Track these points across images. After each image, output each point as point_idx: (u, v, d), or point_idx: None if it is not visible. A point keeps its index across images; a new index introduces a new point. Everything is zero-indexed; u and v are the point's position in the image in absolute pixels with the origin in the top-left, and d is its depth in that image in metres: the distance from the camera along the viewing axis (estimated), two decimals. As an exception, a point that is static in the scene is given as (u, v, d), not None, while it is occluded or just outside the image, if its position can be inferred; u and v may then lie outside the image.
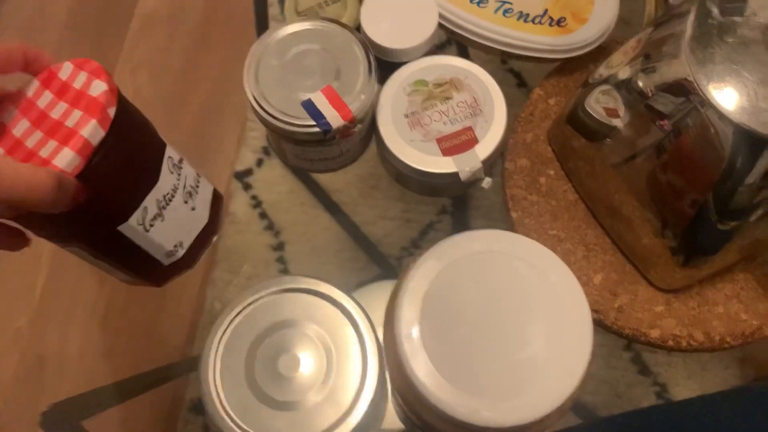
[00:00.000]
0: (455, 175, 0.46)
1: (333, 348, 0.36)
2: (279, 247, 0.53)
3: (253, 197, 0.55)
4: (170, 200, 0.42)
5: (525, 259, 0.33)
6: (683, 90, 0.38)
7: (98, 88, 0.35)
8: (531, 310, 0.32)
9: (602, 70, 0.45)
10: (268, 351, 0.37)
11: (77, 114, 0.35)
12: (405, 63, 0.48)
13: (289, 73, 0.45)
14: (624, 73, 0.43)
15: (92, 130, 0.34)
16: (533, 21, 0.50)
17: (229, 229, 0.54)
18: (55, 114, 0.35)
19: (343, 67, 0.45)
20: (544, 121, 0.51)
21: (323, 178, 0.55)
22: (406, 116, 0.47)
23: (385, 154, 0.48)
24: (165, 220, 0.42)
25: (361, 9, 0.48)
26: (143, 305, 0.54)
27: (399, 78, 0.48)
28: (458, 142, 0.46)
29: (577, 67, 0.52)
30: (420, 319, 0.32)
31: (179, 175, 0.43)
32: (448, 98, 0.47)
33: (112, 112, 0.35)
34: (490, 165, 0.48)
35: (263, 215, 0.54)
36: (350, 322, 0.37)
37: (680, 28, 0.39)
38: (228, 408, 0.36)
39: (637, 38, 0.44)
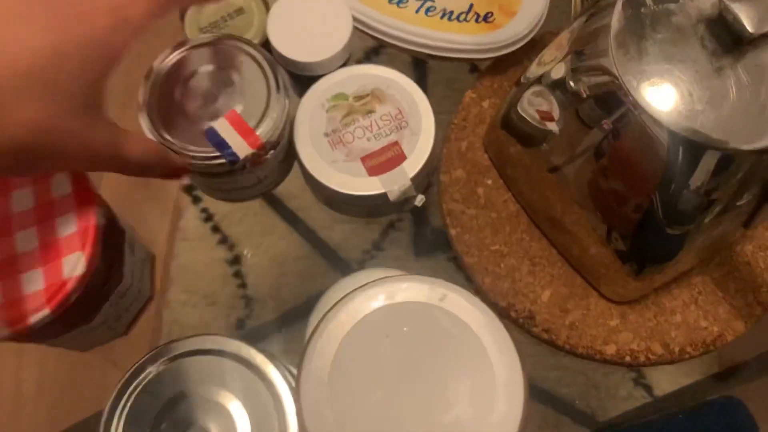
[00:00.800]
0: (384, 195, 0.42)
1: (247, 415, 0.33)
2: (235, 261, 0.50)
3: (204, 210, 0.52)
4: (128, 290, 0.39)
5: (444, 308, 0.29)
6: (614, 92, 0.34)
7: (85, 221, 0.34)
8: (453, 364, 0.28)
9: (534, 68, 0.41)
10: (174, 425, 0.33)
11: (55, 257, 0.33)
12: (321, 76, 0.44)
13: (188, 99, 0.41)
14: (557, 72, 0.39)
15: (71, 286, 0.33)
16: (458, 19, 0.46)
17: (181, 246, 0.51)
18: (31, 246, 0.34)
19: (247, 87, 0.41)
20: (478, 127, 0.47)
21: (276, 185, 0.52)
22: (327, 135, 0.43)
23: (307, 179, 0.44)
24: (118, 309, 0.39)
25: (268, 21, 0.44)
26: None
27: (316, 93, 0.44)
28: (384, 160, 0.42)
29: (510, 63, 0.48)
30: (329, 389, 0.28)
31: (133, 255, 0.40)
32: (370, 112, 0.43)
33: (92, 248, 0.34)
34: (424, 180, 0.44)
35: (215, 229, 0.51)
36: (265, 384, 0.33)
37: (608, 20, 0.35)
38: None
39: (569, 30, 0.40)
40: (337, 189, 0.42)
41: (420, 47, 0.46)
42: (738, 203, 0.36)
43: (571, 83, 0.38)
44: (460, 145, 0.47)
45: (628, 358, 0.42)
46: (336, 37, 0.43)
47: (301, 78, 0.45)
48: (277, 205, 0.52)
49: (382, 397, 0.28)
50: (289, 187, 0.51)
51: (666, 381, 0.46)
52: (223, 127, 0.39)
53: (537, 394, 0.46)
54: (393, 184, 0.41)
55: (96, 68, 0.29)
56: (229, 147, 0.39)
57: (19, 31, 0.26)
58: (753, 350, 0.50)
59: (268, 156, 0.41)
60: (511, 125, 0.43)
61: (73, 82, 0.28)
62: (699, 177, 0.34)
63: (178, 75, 0.41)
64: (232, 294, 0.50)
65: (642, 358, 0.42)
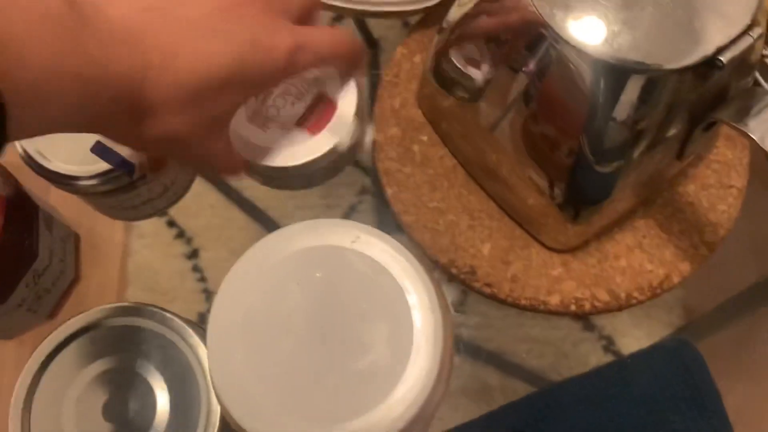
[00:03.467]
0: (335, 150, 0.39)
1: (167, 384, 0.31)
2: (193, 255, 0.49)
3: (158, 206, 0.50)
4: (46, 269, 0.37)
5: (356, 249, 0.27)
6: (533, 24, 0.33)
7: None
8: (369, 308, 0.27)
9: (454, 11, 0.40)
10: (89, 397, 0.31)
11: None
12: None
13: None
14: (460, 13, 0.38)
15: None
16: (383, -28, 0.44)
17: (137, 243, 0.49)
18: None
19: None
20: (411, 83, 0.46)
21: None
22: (250, 120, 0.40)
23: (254, 169, 0.41)
24: (36, 290, 0.37)
25: None
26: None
27: None
28: (320, 115, 0.40)
29: (440, 16, 0.46)
30: (239, 339, 0.26)
31: (51, 233, 0.37)
32: None
33: None
34: (365, 119, 0.41)
35: (171, 223, 0.49)
36: (185, 351, 0.32)
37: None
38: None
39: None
40: (291, 164, 0.39)
41: (348, 3, 0.44)
42: (667, 132, 0.34)
43: (488, 23, 0.36)
44: (393, 102, 0.46)
45: (573, 307, 0.41)
46: None
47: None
48: (233, 195, 0.50)
49: (294, 346, 0.26)
50: (245, 178, 0.50)
51: (636, 345, 0.45)
52: None
53: (507, 367, 0.45)
54: (338, 132, 0.39)
55: (246, 95, 0.32)
56: (121, 157, 0.36)
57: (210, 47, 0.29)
58: (711, 302, 0.49)
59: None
60: (439, 75, 0.42)
61: (226, 106, 0.30)
62: (623, 107, 0.33)
63: None
64: (192, 289, 0.48)
65: (588, 306, 0.41)
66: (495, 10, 0.35)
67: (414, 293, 0.27)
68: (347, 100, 0.39)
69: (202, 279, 0.48)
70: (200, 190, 0.50)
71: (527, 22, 0.33)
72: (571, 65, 0.32)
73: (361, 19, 0.52)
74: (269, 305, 0.27)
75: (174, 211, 0.49)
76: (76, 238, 0.43)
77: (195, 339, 0.32)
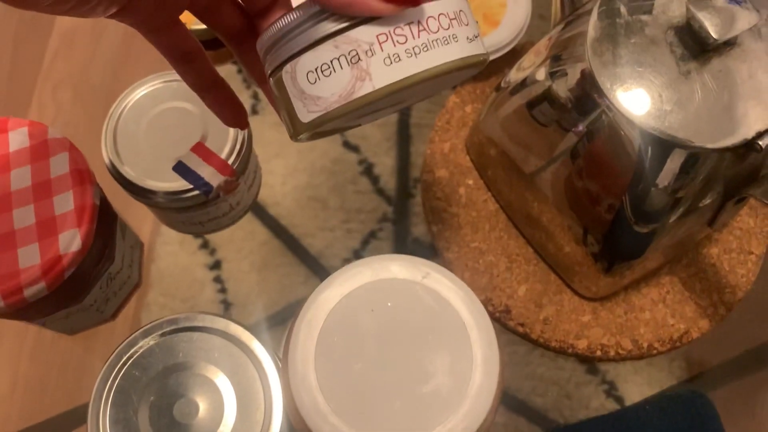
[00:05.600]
0: None
1: (234, 390, 0.34)
2: (215, 266, 0.50)
3: (186, 215, 0.52)
4: (118, 273, 0.40)
5: (425, 285, 0.31)
6: (590, 94, 0.36)
7: (81, 199, 0.35)
8: (433, 339, 0.30)
9: (513, 73, 0.43)
10: (162, 397, 0.34)
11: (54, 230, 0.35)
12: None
13: (152, 137, 0.40)
14: (535, 77, 0.41)
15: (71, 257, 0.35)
16: (444, 26, 0.48)
17: (162, 250, 0.51)
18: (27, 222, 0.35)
19: (209, 119, 0.40)
20: (461, 130, 0.49)
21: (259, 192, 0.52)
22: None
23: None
24: (107, 292, 0.40)
25: None
26: (75, 335, 0.51)
27: None
28: None
29: (492, 71, 0.50)
30: (315, 358, 0.29)
31: (124, 240, 0.40)
32: None
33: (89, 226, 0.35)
34: None
35: (196, 234, 0.52)
36: (251, 360, 0.34)
37: (585, 28, 0.37)
38: (121, 464, 0.33)
39: (547, 37, 0.43)
40: None
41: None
42: (702, 202, 0.38)
43: (549, 87, 0.40)
44: (443, 146, 0.49)
45: (598, 353, 0.44)
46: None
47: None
48: (259, 211, 0.53)
49: (364, 367, 0.29)
50: (272, 195, 0.52)
51: (637, 393, 0.47)
52: (191, 159, 0.39)
53: (511, 403, 0.47)
54: None
55: None
56: (201, 178, 0.39)
57: None
58: (719, 356, 0.52)
59: (240, 182, 0.41)
60: (491, 128, 0.45)
61: None
62: (666, 176, 0.36)
63: (138, 115, 0.41)
64: (210, 299, 0.50)
65: (612, 353, 0.44)
66: (558, 77, 0.39)
67: (475, 329, 0.30)
68: None
69: (222, 290, 0.50)
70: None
71: (588, 93, 0.36)
72: (623, 134, 0.36)
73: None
74: (345, 328, 0.30)
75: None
76: (141, 247, 0.46)
77: (261, 351, 0.34)
